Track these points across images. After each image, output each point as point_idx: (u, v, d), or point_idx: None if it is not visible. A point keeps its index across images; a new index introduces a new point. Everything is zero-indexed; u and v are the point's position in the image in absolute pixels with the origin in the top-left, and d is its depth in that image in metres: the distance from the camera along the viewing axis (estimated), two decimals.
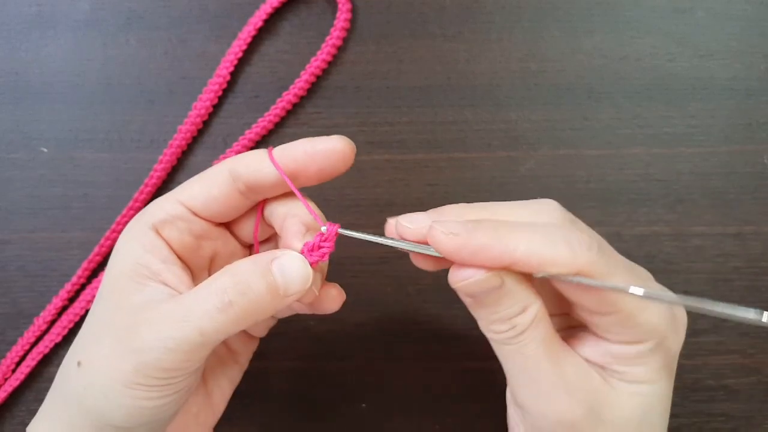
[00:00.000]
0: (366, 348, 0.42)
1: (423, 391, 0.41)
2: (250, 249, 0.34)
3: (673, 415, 0.41)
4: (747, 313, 0.24)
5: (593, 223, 0.42)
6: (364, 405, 0.41)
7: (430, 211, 0.28)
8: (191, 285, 0.30)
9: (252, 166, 0.29)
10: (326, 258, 0.29)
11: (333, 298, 0.31)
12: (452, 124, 0.43)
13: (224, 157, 0.43)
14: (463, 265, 0.26)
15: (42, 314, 0.41)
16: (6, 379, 0.41)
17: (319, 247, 0.29)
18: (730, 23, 0.44)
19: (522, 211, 0.28)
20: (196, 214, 0.30)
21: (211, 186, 0.30)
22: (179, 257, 0.30)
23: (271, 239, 0.34)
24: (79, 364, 0.28)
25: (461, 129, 0.43)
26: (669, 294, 0.25)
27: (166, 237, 0.30)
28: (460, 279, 0.26)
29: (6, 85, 0.44)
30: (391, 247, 0.29)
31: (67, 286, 0.41)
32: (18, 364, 0.41)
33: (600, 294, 0.25)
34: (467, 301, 0.27)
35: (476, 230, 0.26)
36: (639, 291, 0.24)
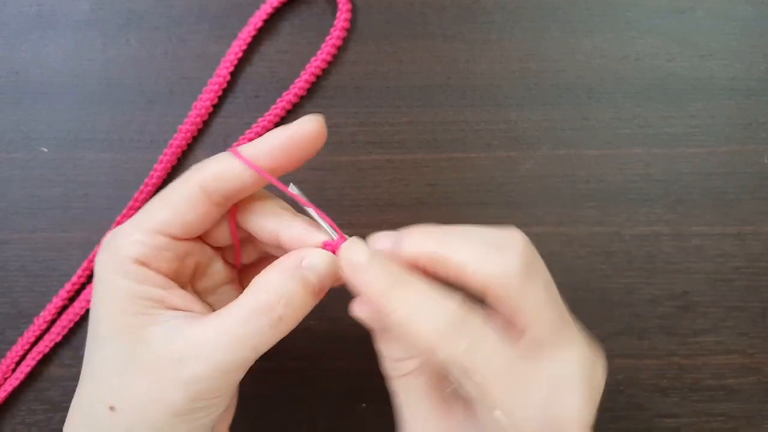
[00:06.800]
0: (366, 348, 0.42)
1: None
2: (221, 251, 0.33)
3: (673, 415, 0.42)
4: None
5: (593, 223, 0.43)
6: (364, 405, 0.41)
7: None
8: (200, 303, 0.30)
9: (228, 178, 0.29)
10: None
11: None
12: (452, 124, 0.43)
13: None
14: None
15: (42, 314, 0.41)
16: (6, 379, 0.41)
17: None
18: (730, 23, 0.44)
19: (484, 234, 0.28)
20: (175, 238, 0.29)
21: (185, 211, 0.29)
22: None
23: (243, 241, 0.33)
24: (112, 408, 0.27)
25: (461, 129, 0.43)
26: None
27: (155, 268, 0.29)
28: None
29: (6, 85, 0.44)
30: None
31: (67, 286, 0.41)
32: (18, 364, 0.41)
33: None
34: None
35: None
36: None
